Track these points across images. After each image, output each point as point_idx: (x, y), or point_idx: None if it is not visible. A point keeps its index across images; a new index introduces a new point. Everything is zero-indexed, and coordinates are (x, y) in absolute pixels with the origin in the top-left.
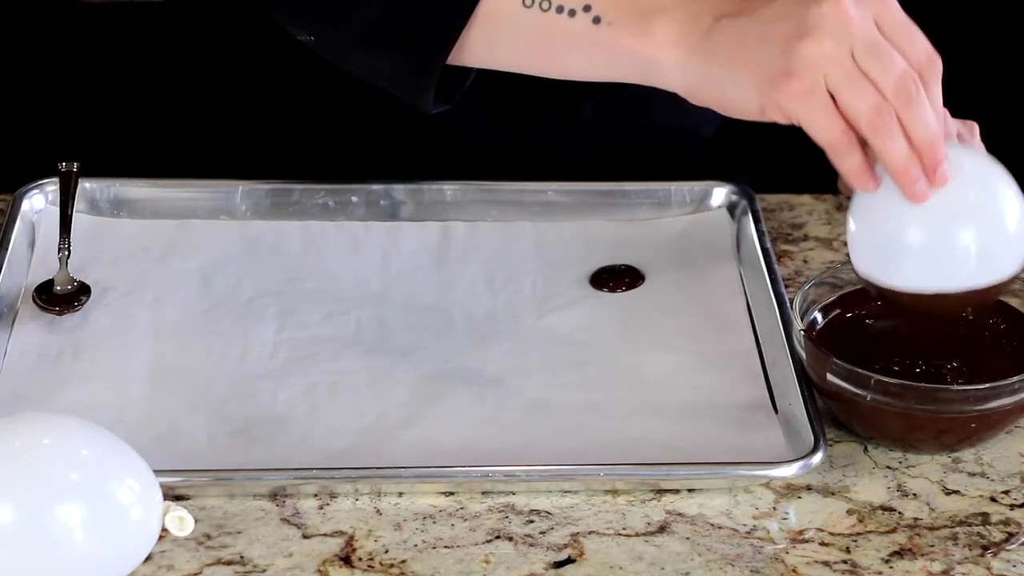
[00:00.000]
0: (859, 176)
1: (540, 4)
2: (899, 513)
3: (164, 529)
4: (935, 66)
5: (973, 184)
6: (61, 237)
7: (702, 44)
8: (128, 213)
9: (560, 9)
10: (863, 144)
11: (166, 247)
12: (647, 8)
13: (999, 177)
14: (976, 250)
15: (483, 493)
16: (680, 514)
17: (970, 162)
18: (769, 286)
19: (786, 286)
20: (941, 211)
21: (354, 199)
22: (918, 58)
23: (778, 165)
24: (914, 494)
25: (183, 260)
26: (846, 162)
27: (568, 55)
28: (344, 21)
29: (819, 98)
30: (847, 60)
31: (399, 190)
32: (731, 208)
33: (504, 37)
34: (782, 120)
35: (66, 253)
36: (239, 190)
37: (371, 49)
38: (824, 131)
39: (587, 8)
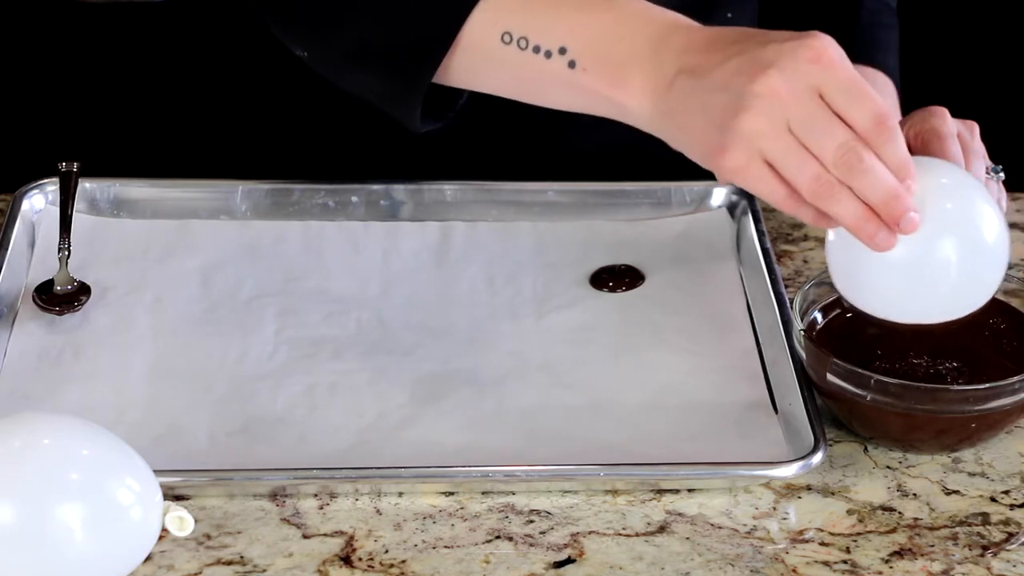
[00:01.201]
0: (818, 223)
1: (518, 42)
2: (899, 513)
3: (164, 529)
4: (884, 128)
5: (947, 221)
6: (61, 237)
7: (664, 100)
8: (128, 213)
9: (537, 49)
10: None
11: (166, 247)
12: (620, 56)
13: (977, 198)
14: (951, 289)
15: (483, 493)
16: (680, 514)
17: (948, 181)
18: (769, 286)
19: (786, 286)
20: (914, 245)
21: (354, 199)
22: (863, 124)
23: None
24: (914, 494)
25: (183, 260)
26: (800, 216)
27: (547, 91)
28: (335, 40)
29: (756, 171)
30: (782, 135)
31: (399, 190)
32: (731, 208)
33: (485, 68)
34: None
35: (66, 253)
36: (239, 190)
37: (359, 68)
38: (769, 197)
39: (563, 51)
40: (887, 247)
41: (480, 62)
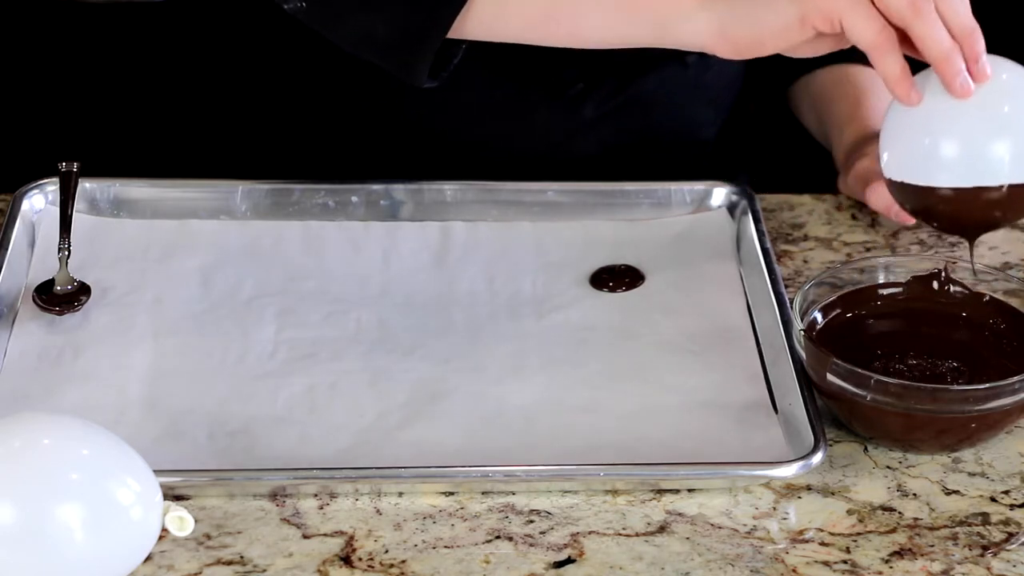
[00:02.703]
0: (900, 82)
1: None
2: (899, 513)
3: (164, 529)
4: None
5: (1010, 90)
6: (61, 237)
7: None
8: (128, 213)
9: None
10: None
11: (166, 247)
12: None
13: None
14: (1014, 148)
15: (483, 493)
16: (680, 514)
17: (1006, 70)
18: (769, 286)
19: (786, 286)
20: (979, 110)
21: (354, 199)
22: None
23: (778, 165)
24: (914, 494)
25: (183, 260)
26: (888, 64)
27: (583, 17)
28: None
29: (851, 20)
30: None
31: (399, 190)
32: (731, 208)
33: (515, 2)
34: (825, 27)
35: (66, 253)
36: (239, 190)
37: (370, 12)
38: (866, 29)
39: None
40: (966, 92)
41: None
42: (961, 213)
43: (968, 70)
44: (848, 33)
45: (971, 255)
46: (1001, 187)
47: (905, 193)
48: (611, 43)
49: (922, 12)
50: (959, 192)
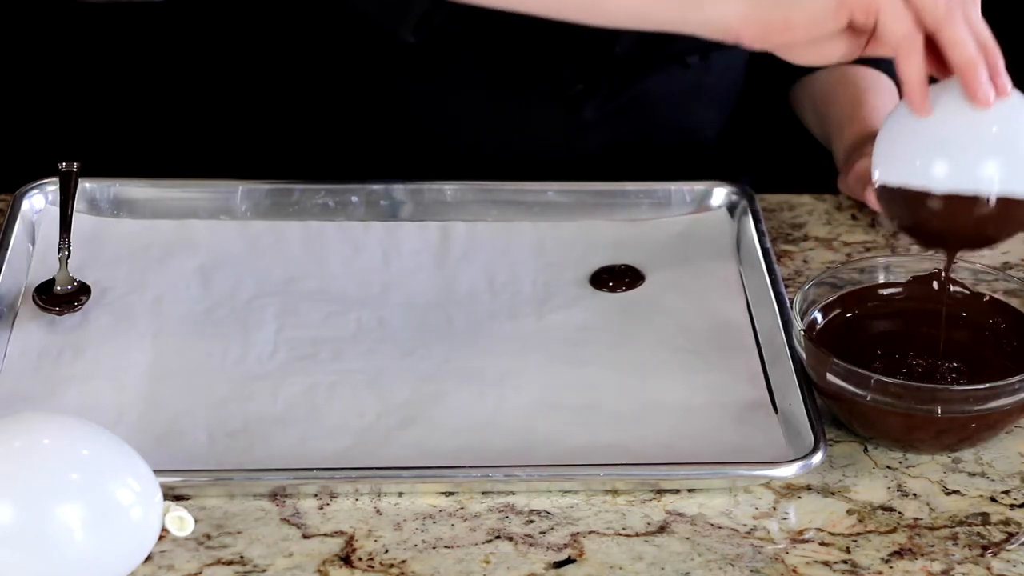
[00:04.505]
0: (918, 87)
1: None
2: (899, 513)
3: (164, 529)
4: None
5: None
6: (61, 237)
7: None
8: (128, 213)
9: None
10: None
11: (166, 247)
12: None
13: None
14: (1009, 163)
15: (483, 493)
16: (680, 514)
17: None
18: (769, 286)
19: (786, 286)
20: (985, 124)
21: (354, 199)
22: None
23: (778, 165)
24: (914, 494)
25: (183, 260)
26: (911, 65)
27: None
28: None
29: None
30: None
31: (399, 190)
32: (731, 208)
33: None
34: (860, 18)
35: (66, 253)
36: (239, 190)
37: None
38: (896, 24)
39: None
40: (986, 101)
41: None
42: (948, 224)
43: (992, 82)
44: (880, 28)
45: (948, 267)
46: (988, 200)
47: (894, 202)
48: (628, 22)
49: (953, 16)
50: (949, 201)
